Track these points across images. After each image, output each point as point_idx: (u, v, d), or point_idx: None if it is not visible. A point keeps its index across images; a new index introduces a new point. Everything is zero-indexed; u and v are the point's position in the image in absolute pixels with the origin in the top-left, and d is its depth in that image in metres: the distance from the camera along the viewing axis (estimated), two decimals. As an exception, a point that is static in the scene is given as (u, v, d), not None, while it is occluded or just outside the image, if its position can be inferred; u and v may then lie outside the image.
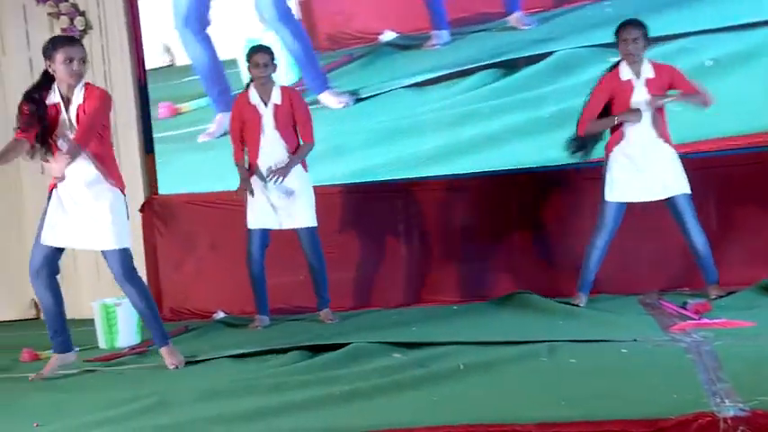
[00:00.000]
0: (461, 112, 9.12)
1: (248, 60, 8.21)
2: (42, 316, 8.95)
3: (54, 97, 6.75)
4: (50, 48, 6.75)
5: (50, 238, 6.80)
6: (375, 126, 9.32)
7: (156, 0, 9.84)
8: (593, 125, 7.81)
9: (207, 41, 9.66)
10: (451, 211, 9.05)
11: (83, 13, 9.82)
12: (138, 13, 9.69)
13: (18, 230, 9.88)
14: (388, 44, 9.31)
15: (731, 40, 8.63)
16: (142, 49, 9.84)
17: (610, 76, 7.88)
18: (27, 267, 9.31)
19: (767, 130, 8.47)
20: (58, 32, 9.77)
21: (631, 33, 7.74)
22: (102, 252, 6.88)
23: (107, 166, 6.82)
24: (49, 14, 9.89)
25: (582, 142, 7.96)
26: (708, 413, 4.70)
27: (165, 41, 9.91)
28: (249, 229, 8.25)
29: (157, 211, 9.27)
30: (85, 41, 9.57)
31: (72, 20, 9.81)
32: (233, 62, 9.52)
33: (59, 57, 6.66)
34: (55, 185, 6.76)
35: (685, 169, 7.79)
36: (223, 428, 5.21)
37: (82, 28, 9.78)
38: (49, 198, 6.80)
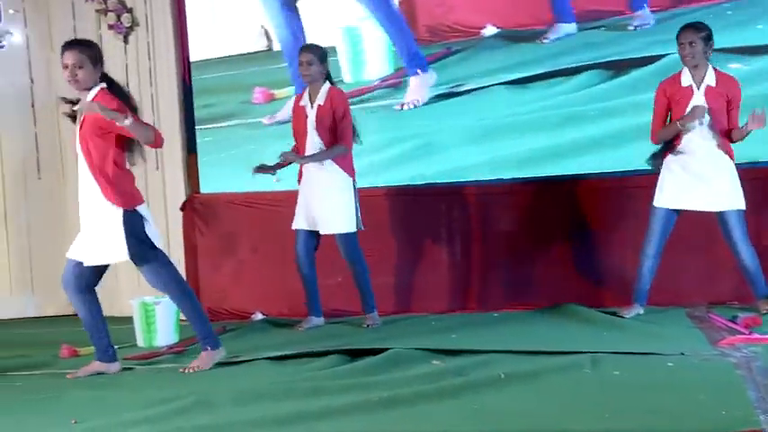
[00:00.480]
0: (564, 113, 8.87)
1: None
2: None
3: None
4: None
5: (71, 252, 6.96)
6: (472, 123, 9.07)
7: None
8: (662, 133, 7.71)
9: (293, 18, 9.45)
10: (497, 216, 8.93)
11: (130, 10, 9.84)
12: (184, 10, 9.67)
13: (59, 231, 9.84)
14: (499, 35, 9.00)
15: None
16: (188, 47, 9.82)
17: (669, 81, 7.77)
18: (63, 262, 9.34)
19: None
20: (104, 29, 9.90)
21: (688, 37, 7.61)
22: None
23: (109, 183, 6.72)
24: (97, 11, 9.91)
25: (660, 151, 7.83)
26: (758, 431, 4.66)
27: (263, 24, 9.77)
28: (295, 230, 8.18)
29: (198, 210, 9.23)
30: (131, 38, 9.62)
31: (119, 16, 9.82)
32: (332, 50, 9.09)
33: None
34: None
35: (741, 179, 7.64)
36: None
37: (128, 25, 9.80)
38: None
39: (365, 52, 9.29)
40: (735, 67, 7.87)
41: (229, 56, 9.95)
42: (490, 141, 8.97)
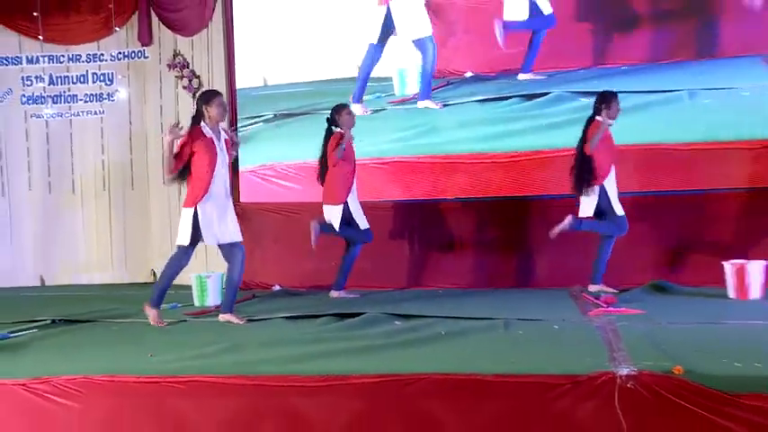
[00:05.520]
0: (506, 116, 8.75)
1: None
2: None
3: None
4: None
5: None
6: (457, 119, 8.81)
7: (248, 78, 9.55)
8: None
9: (378, 49, 8.89)
10: (449, 222, 8.87)
11: (198, 76, 9.73)
12: (234, 79, 9.51)
13: (145, 224, 9.85)
14: (474, 77, 8.94)
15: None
16: (236, 101, 9.48)
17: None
18: (148, 246, 9.33)
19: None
20: (180, 89, 9.79)
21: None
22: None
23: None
24: (176, 77, 9.82)
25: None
26: (609, 372, 4.71)
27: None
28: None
29: (239, 215, 9.09)
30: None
31: (190, 80, 9.74)
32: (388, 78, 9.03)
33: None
34: None
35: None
36: (280, 366, 5.18)
37: (196, 86, 9.68)
38: None
39: (408, 81, 9.05)
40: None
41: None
42: (465, 129, 8.76)
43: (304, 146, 8.64)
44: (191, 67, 9.74)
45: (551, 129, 8.44)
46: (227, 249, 6.84)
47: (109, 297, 8.64)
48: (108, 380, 5.12)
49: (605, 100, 7.56)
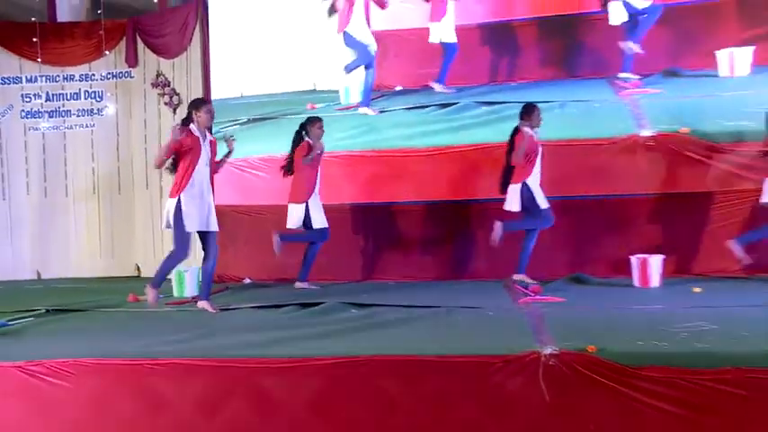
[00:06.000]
0: (423, 120, 8.91)
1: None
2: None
3: None
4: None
5: None
6: (391, 121, 8.99)
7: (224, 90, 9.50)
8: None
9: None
10: (394, 223, 8.82)
11: (178, 94, 9.60)
12: (210, 96, 9.33)
13: (131, 225, 9.72)
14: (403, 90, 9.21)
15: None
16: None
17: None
18: (132, 243, 9.20)
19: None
20: (162, 105, 9.68)
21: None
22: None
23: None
24: (158, 94, 9.70)
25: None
26: (535, 351, 4.76)
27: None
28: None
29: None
30: (178, 110, 9.50)
31: (171, 97, 9.62)
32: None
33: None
34: None
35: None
36: (248, 350, 5.17)
37: (177, 103, 9.58)
38: None
39: (351, 93, 9.20)
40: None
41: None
42: (395, 129, 8.81)
43: (271, 143, 8.68)
44: (172, 85, 9.64)
45: (459, 130, 8.64)
46: (203, 237, 6.80)
47: (97, 289, 8.52)
48: (96, 362, 5.08)
49: (527, 111, 7.59)
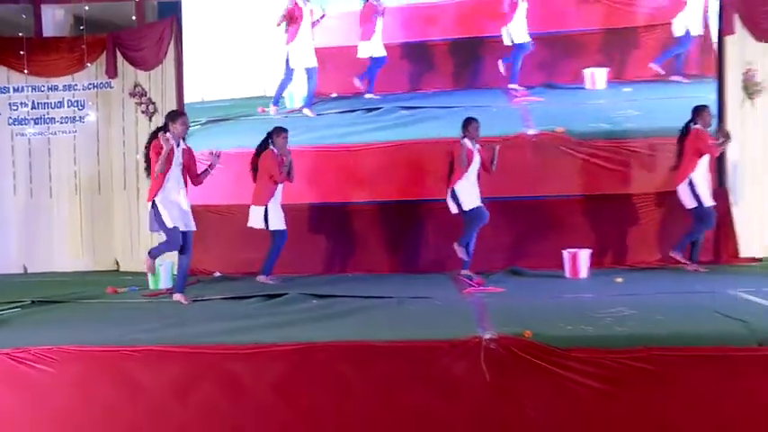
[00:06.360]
0: (354, 121, 9.01)
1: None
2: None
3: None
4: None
5: None
6: (326, 123, 9.00)
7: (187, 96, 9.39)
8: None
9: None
10: (351, 221, 8.84)
11: (154, 103, 9.53)
12: (183, 105, 9.29)
13: (110, 223, 9.58)
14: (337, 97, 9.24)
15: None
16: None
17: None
18: (111, 240, 9.06)
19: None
20: (140, 114, 9.56)
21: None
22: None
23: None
24: (136, 103, 9.58)
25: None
26: (477, 336, 4.77)
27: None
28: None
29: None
30: (154, 118, 9.42)
31: (147, 106, 9.53)
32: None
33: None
34: None
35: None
36: (219, 338, 5.11)
37: (153, 111, 9.50)
38: None
39: (295, 97, 9.18)
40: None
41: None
42: (329, 129, 8.90)
43: (227, 140, 8.60)
44: (148, 95, 9.53)
45: (380, 130, 8.79)
46: (182, 235, 6.66)
47: (79, 282, 8.38)
48: (77, 349, 5.00)
49: (465, 125, 7.63)
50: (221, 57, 9.31)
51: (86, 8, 9.65)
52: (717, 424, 4.59)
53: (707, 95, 8.35)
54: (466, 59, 9.03)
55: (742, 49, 8.62)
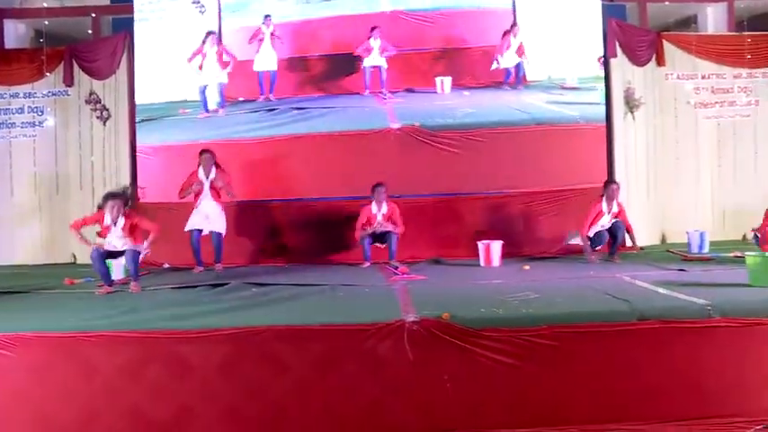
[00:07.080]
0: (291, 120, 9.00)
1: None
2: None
3: None
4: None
5: None
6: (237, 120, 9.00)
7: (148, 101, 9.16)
8: None
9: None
10: (299, 215, 8.76)
11: (107, 109, 9.31)
12: (134, 111, 9.14)
13: (65, 220, 9.21)
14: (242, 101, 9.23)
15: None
16: (135, 129, 9.14)
17: None
18: (68, 235, 8.75)
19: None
20: (95, 119, 9.31)
21: None
22: None
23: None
24: (91, 110, 9.33)
25: None
26: (401, 319, 4.79)
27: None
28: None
29: (143, 212, 8.57)
30: (108, 123, 9.26)
31: (101, 112, 9.30)
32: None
33: None
34: None
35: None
36: (169, 323, 5.02)
37: (106, 116, 9.30)
38: None
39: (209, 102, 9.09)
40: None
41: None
42: (238, 125, 8.90)
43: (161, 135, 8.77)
44: (102, 102, 9.31)
45: (280, 126, 8.87)
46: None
47: (38, 274, 8.10)
48: (36, 335, 4.85)
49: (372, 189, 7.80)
50: (160, 64, 9.16)
51: (46, 23, 9.46)
52: (607, 388, 4.74)
53: (595, 100, 8.92)
54: (342, 69, 9.19)
55: (623, 69, 9.17)
